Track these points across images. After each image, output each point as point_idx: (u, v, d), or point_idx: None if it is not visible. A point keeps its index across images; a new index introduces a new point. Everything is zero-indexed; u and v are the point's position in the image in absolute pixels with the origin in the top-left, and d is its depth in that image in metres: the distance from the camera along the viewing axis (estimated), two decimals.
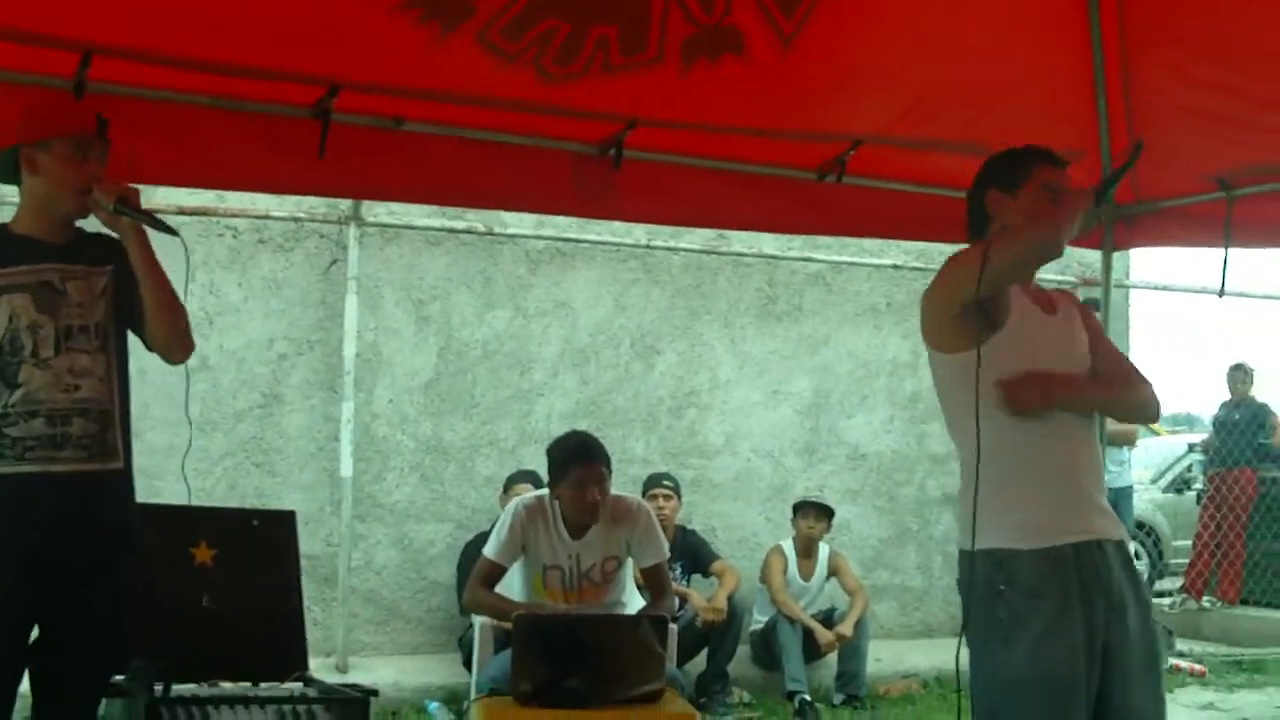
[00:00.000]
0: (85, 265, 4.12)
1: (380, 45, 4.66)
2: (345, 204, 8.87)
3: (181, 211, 8.53)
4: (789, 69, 5.12)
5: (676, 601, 7.66)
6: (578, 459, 5.75)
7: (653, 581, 6.01)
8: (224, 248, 8.88)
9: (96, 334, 4.09)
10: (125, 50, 4.50)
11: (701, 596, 8.85)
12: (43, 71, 4.55)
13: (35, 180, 4.10)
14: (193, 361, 8.76)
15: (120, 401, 4.13)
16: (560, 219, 9.29)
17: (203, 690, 4.75)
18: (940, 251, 10.06)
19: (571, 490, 5.72)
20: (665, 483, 8.99)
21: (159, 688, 4.52)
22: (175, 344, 4.23)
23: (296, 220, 8.95)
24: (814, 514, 9.27)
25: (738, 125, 5.45)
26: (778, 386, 10.28)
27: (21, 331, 3.99)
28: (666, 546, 6.09)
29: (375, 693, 4.78)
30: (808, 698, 8.63)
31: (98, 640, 4.06)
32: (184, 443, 8.33)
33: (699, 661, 8.61)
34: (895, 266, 10.43)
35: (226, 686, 4.86)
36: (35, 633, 4.06)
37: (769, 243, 10.02)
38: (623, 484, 6.31)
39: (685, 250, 9.92)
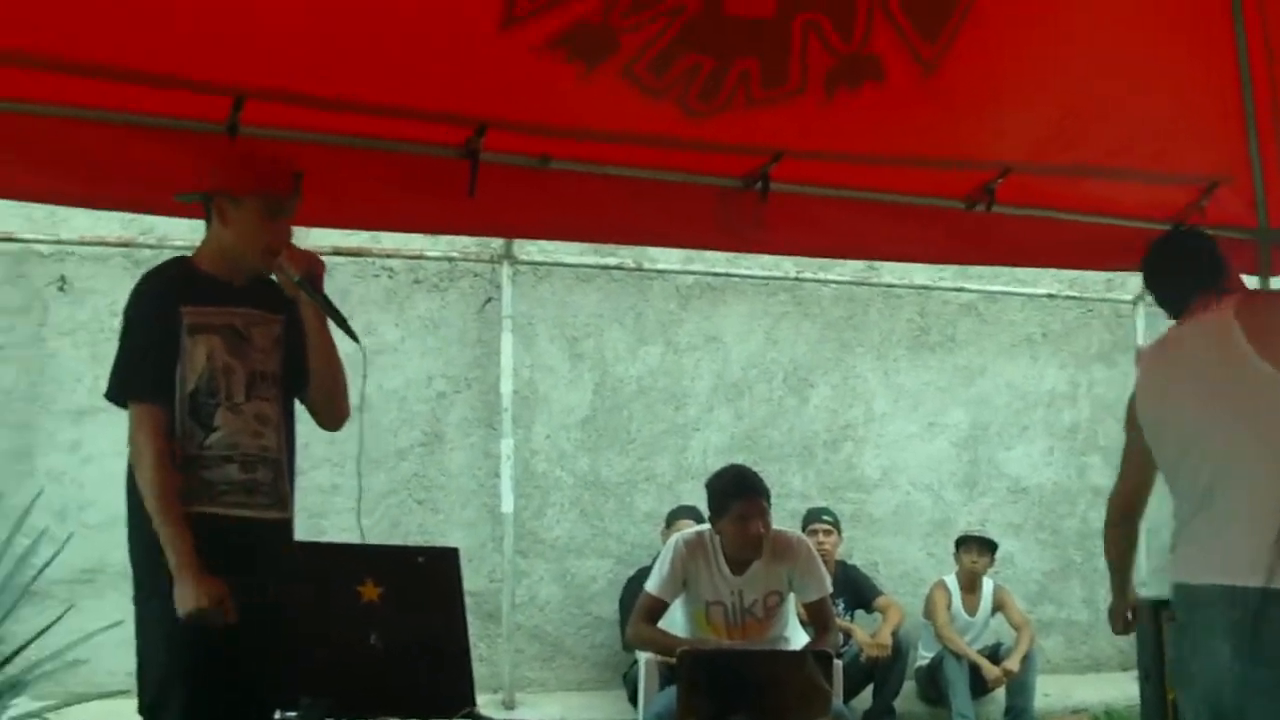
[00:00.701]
0: (264, 311, 4.19)
1: (526, 84, 4.71)
2: (497, 242, 8.97)
3: (338, 252, 8.70)
4: (931, 96, 5.10)
5: (841, 637, 7.62)
6: (739, 493, 5.73)
7: (816, 617, 5.98)
8: (380, 288, 9.03)
9: (274, 382, 4.15)
10: (276, 93, 4.58)
11: (865, 632, 8.79)
12: (196, 117, 4.67)
13: (225, 231, 4.14)
14: (353, 400, 8.97)
15: (289, 451, 4.20)
16: (709, 253, 9.32)
17: None
18: (1094, 280, 10.07)
19: (734, 525, 5.71)
20: (825, 517, 8.95)
21: None
22: (333, 414, 4.37)
23: (450, 260, 9.07)
24: (977, 548, 9.17)
25: (882, 154, 5.43)
26: (934, 419, 10.18)
27: (218, 373, 4.03)
28: (829, 581, 6.06)
29: None
30: None
31: (274, 684, 4.19)
32: (346, 482, 8.62)
33: (865, 698, 8.55)
34: (1050, 296, 10.30)
35: None
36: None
37: (920, 273, 9.95)
38: (781, 519, 6.29)
39: (835, 282, 9.88)
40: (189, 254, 4.26)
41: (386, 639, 5.02)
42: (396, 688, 4.99)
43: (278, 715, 4.69)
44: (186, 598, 3.92)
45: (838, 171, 5.49)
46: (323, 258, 8.67)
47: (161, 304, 4.07)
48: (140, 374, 4.06)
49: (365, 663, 4.98)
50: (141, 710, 4.13)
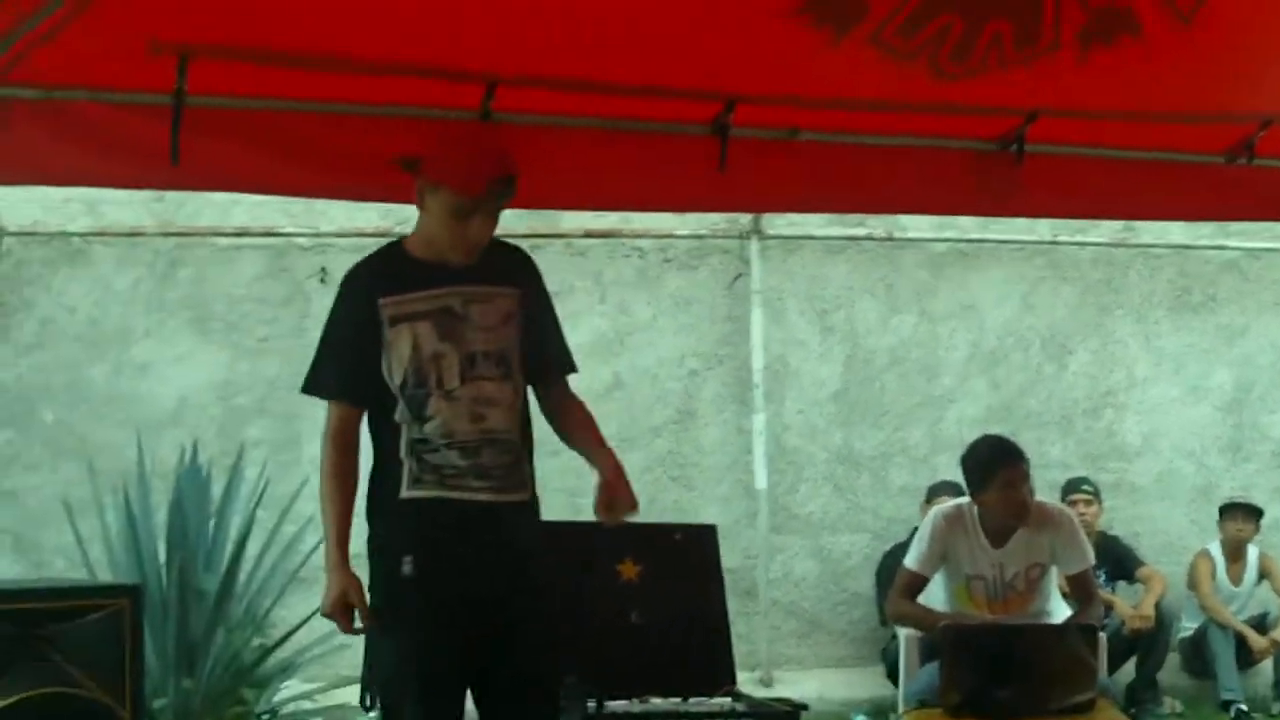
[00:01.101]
0: (490, 285, 4.04)
1: (773, 55, 4.63)
2: (746, 218, 8.97)
3: (589, 234, 8.81)
4: (1189, 49, 4.88)
5: (1103, 609, 7.45)
6: (1002, 461, 5.62)
7: (1079, 589, 5.84)
8: (631, 268, 9.09)
9: (500, 360, 4.00)
10: (526, 78, 4.59)
11: (1127, 604, 8.64)
12: (449, 105, 4.73)
13: (424, 216, 4.06)
14: (607, 380, 9.12)
15: (524, 432, 4.06)
16: (962, 220, 9.20)
17: (634, 706, 4.84)
18: None
19: (1000, 494, 5.58)
20: (1084, 487, 8.81)
21: (592, 704, 4.62)
22: None
23: (699, 237, 9.11)
24: (1242, 516, 8.94)
25: (1139, 110, 5.22)
26: (1197, 382, 9.87)
27: (425, 363, 3.92)
28: (1092, 552, 5.91)
29: (805, 707, 4.79)
30: (1244, 707, 8.39)
31: (534, 671, 4.05)
32: None
33: (1127, 671, 8.38)
34: None
35: (656, 702, 4.94)
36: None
37: (1179, 232, 9.65)
38: (1040, 489, 6.13)
39: (1093, 244, 9.65)
40: (405, 236, 4.19)
41: (646, 617, 5.08)
42: (657, 665, 5.03)
43: None
44: (324, 601, 4.00)
45: (1094, 130, 5.32)
46: (574, 240, 8.89)
47: (356, 299, 4.03)
48: (324, 370, 4.06)
49: (626, 641, 5.04)
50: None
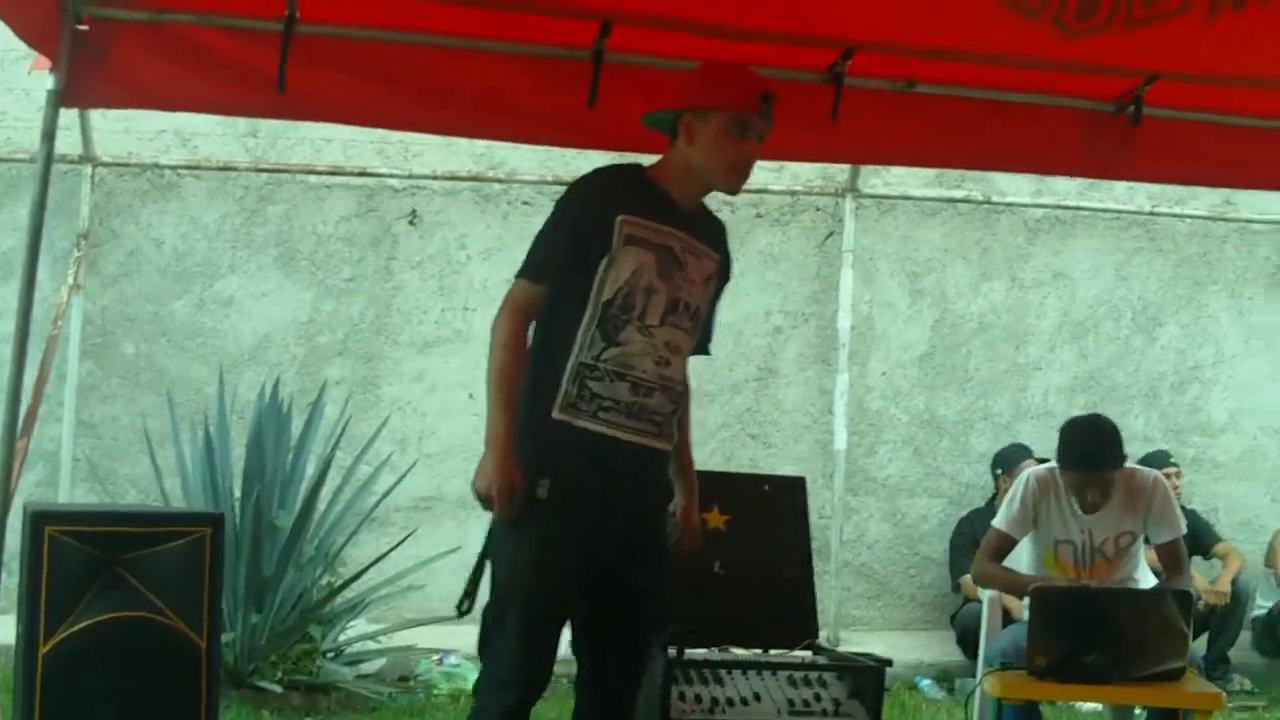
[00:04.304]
0: (705, 244, 4.10)
1: (893, 4, 4.60)
2: (842, 176, 8.90)
3: None
4: None
5: (1192, 580, 7.38)
6: (1080, 467, 5.50)
7: (1168, 559, 5.76)
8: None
9: (694, 315, 4.05)
10: (641, 17, 4.57)
11: (1204, 579, 8.54)
12: (563, 44, 4.69)
13: (690, 149, 4.02)
14: None
15: (687, 386, 4.16)
16: (1059, 186, 9.12)
17: (715, 655, 4.81)
18: None
19: (1072, 488, 5.53)
20: (1171, 461, 8.70)
21: (673, 651, 4.59)
22: None
23: (793, 193, 9.03)
24: None
25: (1261, 76, 5.15)
26: None
27: (638, 291, 3.92)
28: (1184, 523, 5.81)
29: (889, 662, 4.72)
30: None
31: (645, 612, 4.09)
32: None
33: (1199, 646, 8.27)
34: None
35: (737, 652, 4.91)
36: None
37: (1278, 207, 9.50)
38: None
39: (1190, 217, 9.51)
40: (646, 164, 4.16)
41: (731, 567, 5.04)
42: (739, 616, 4.99)
43: None
44: (478, 475, 3.89)
45: (1212, 95, 5.27)
46: None
47: (596, 203, 4.00)
48: (536, 253, 4.01)
49: (710, 590, 4.99)
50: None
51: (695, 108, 4.01)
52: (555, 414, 3.92)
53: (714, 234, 4.18)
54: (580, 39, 4.66)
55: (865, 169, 8.80)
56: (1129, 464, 5.75)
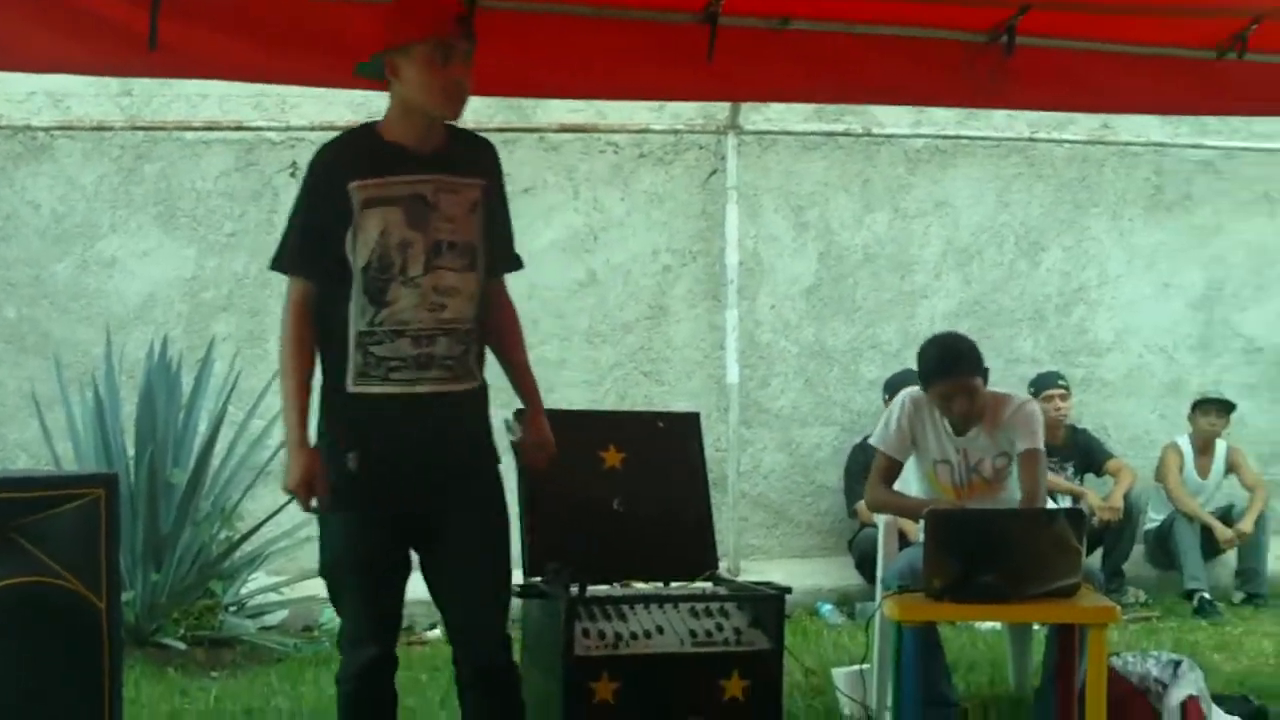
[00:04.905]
0: (457, 176, 4.03)
1: None
2: (723, 114, 8.93)
3: (564, 129, 8.75)
4: None
5: (1045, 498, 7.48)
6: (939, 373, 5.59)
7: (1027, 468, 5.72)
8: (605, 164, 9.02)
9: (465, 251, 4.01)
10: None
11: (1097, 495, 8.73)
12: None
13: (402, 88, 3.97)
14: (580, 276, 9.11)
15: (479, 321, 4.08)
16: (938, 116, 9.20)
17: (617, 590, 4.88)
18: None
19: (939, 402, 5.62)
20: (1060, 382, 8.85)
21: (575, 589, 4.65)
22: None
23: (675, 132, 9.04)
24: (1215, 410, 9.00)
25: (1132, 3, 5.25)
26: (1169, 279, 9.90)
27: (392, 249, 3.91)
28: (1042, 440, 5.83)
29: (789, 589, 4.80)
30: (1208, 596, 8.48)
31: (484, 544, 4.08)
32: (572, 355, 8.71)
33: (1094, 561, 8.44)
34: None
35: (639, 586, 4.98)
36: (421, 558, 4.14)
37: (1156, 130, 9.66)
38: (1010, 384, 6.15)
39: (1070, 142, 9.62)
40: (377, 121, 4.11)
41: (630, 503, 5.10)
42: (640, 551, 5.06)
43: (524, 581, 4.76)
44: (286, 476, 4.02)
45: (1085, 23, 5.35)
46: (548, 135, 8.82)
47: (327, 180, 4.00)
48: (290, 247, 4.05)
49: (610, 527, 5.06)
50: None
51: (395, 46, 3.95)
52: (350, 387, 3.98)
53: (474, 159, 4.11)
54: None
55: (745, 106, 8.83)
56: (1003, 389, 5.86)
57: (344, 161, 4.01)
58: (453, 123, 4.08)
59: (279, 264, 4.10)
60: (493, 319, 4.18)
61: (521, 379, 4.29)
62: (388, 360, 3.93)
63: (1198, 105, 6.59)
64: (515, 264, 4.29)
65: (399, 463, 3.98)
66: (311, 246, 4.00)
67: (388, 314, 3.92)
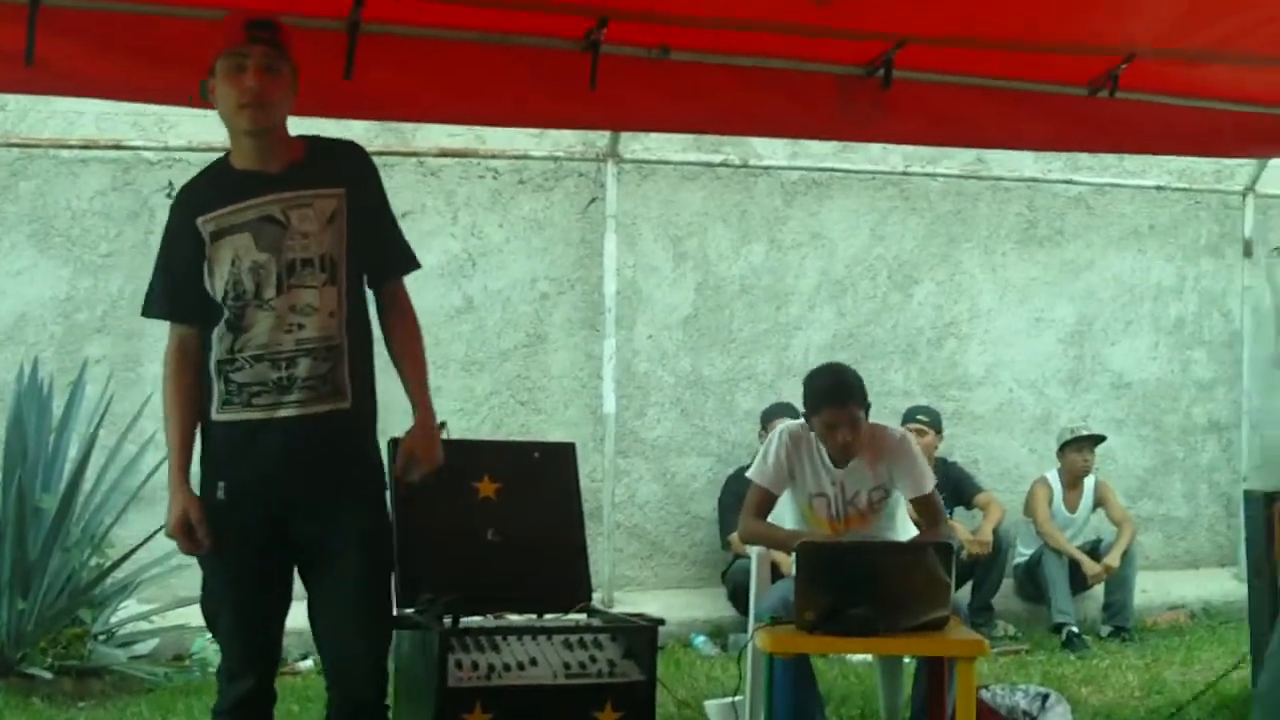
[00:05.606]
0: (311, 190, 3.95)
1: None
2: (602, 141, 8.93)
3: (443, 153, 8.72)
4: None
5: (950, 532, 7.56)
6: (828, 401, 5.63)
7: (924, 512, 5.90)
8: (485, 189, 8.99)
9: (323, 265, 3.92)
10: None
11: (966, 529, 8.80)
12: (316, 14, 4.63)
13: (219, 110, 3.94)
14: (457, 302, 9.04)
15: (351, 336, 3.98)
16: (816, 149, 9.25)
17: (490, 622, 4.84)
18: (1203, 172, 9.90)
19: (822, 430, 5.65)
20: (920, 417, 8.86)
21: (448, 620, 4.60)
22: None
23: (555, 159, 9.03)
24: (1088, 446, 9.12)
25: (1007, 40, 5.32)
26: (1040, 314, 10.05)
27: (244, 275, 3.88)
28: (930, 477, 5.93)
29: (662, 621, 4.78)
30: (1075, 629, 8.56)
31: (359, 575, 4.01)
32: (448, 383, 8.65)
33: (963, 595, 8.53)
34: (1158, 188, 10.12)
35: (513, 618, 4.94)
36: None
37: (1029, 166, 9.81)
38: (883, 417, 6.19)
39: (944, 176, 9.73)
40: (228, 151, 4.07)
41: (504, 534, 5.07)
42: (513, 582, 5.02)
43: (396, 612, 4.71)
44: (166, 519, 4.01)
45: (961, 59, 5.43)
46: (427, 159, 8.76)
47: (180, 220, 4.01)
48: (154, 292, 4.07)
49: (483, 558, 5.02)
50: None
51: (207, 75, 3.95)
52: (214, 415, 3.97)
53: (332, 169, 4.04)
54: (335, 9, 4.60)
55: (625, 135, 8.82)
56: (880, 422, 5.91)
57: (193, 199, 4.01)
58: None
59: (148, 310, 4.10)
60: (387, 324, 4.15)
61: (408, 385, 4.18)
62: (249, 386, 3.91)
63: (1070, 142, 6.70)
64: (410, 264, 4.22)
65: (262, 490, 3.94)
66: (174, 289, 4.00)
67: (245, 339, 3.90)
